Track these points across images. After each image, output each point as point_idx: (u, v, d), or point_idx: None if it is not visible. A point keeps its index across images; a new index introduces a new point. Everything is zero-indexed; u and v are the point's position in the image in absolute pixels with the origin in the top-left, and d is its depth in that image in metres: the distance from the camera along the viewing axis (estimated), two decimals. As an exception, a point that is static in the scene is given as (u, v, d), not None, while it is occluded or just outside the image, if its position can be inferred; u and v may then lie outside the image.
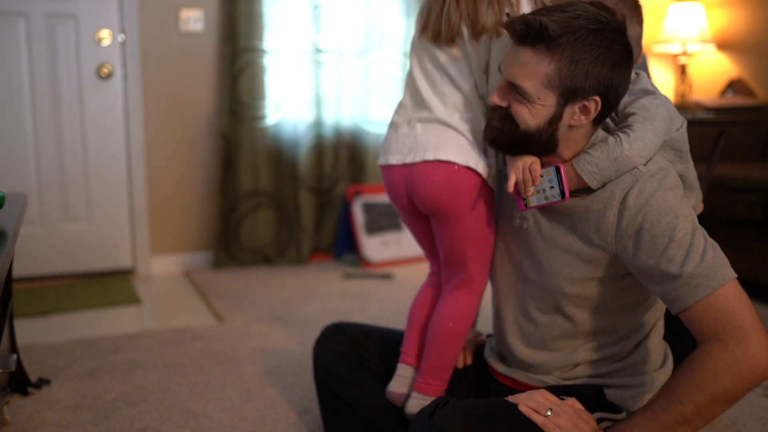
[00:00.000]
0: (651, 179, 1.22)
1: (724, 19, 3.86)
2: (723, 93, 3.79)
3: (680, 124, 1.41)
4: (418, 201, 1.45)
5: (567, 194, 1.26)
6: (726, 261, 1.17)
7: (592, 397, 1.34)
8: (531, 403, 1.23)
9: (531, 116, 1.25)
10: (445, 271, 1.52)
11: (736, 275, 1.16)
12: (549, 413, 1.20)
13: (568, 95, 1.23)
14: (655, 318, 1.39)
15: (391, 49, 3.65)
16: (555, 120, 1.25)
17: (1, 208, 1.62)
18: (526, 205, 1.32)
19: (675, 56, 4.04)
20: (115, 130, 3.27)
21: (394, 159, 1.45)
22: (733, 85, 3.76)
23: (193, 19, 3.31)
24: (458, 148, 1.38)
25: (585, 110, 1.24)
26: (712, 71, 3.94)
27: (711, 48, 3.85)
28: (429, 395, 1.49)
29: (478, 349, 1.68)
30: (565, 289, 1.32)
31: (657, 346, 1.41)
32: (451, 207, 1.40)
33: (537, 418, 1.21)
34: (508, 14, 1.29)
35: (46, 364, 2.21)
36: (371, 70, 3.61)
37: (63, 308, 2.83)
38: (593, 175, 1.24)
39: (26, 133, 3.14)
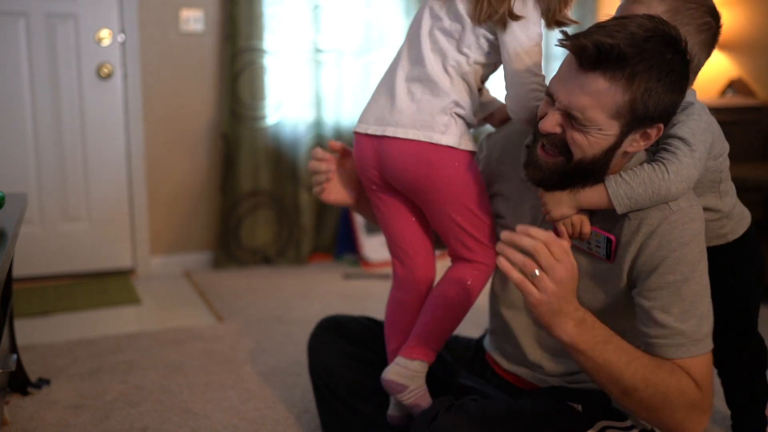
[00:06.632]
0: (680, 221, 1.17)
1: (724, 19, 3.85)
2: (723, 93, 3.79)
3: (721, 150, 1.32)
4: (390, 178, 1.41)
5: (613, 259, 1.23)
6: (711, 330, 1.19)
7: (597, 403, 1.32)
8: (518, 258, 1.08)
9: (589, 146, 1.16)
10: (447, 245, 1.47)
11: (712, 346, 1.19)
12: (536, 273, 1.07)
13: (634, 124, 1.14)
14: None
15: (391, 49, 3.65)
16: (613, 149, 1.17)
17: (1, 208, 1.62)
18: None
19: (675, 56, 4.04)
20: (115, 130, 3.27)
21: (370, 128, 1.40)
22: (733, 85, 3.76)
23: (193, 19, 3.31)
24: (431, 121, 1.34)
25: (646, 137, 1.17)
26: (712, 71, 3.93)
27: (711, 48, 3.85)
28: (413, 359, 1.41)
29: (477, 340, 1.66)
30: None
31: None
32: (425, 182, 1.36)
33: (514, 276, 1.07)
34: (564, 32, 1.18)
35: (46, 364, 2.21)
36: (371, 70, 3.60)
37: (63, 308, 2.83)
38: (626, 207, 1.18)
39: (26, 133, 3.14)
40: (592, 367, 1.15)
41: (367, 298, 3.02)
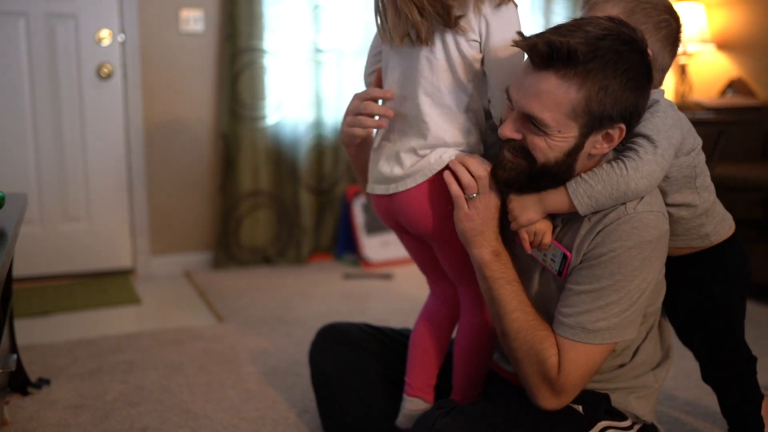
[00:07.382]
0: (630, 223, 1.17)
1: (724, 19, 3.86)
2: (723, 93, 3.79)
3: (693, 146, 1.32)
4: (407, 226, 1.39)
5: (564, 276, 1.24)
6: (611, 332, 1.19)
7: (597, 404, 1.32)
8: (465, 178, 1.23)
9: (549, 149, 1.15)
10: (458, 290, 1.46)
11: (607, 343, 1.19)
12: (473, 196, 1.23)
13: (593, 124, 1.13)
14: (649, 323, 1.37)
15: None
16: (575, 151, 1.16)
17: (1, 208, 1.62)
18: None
19: (675, 56, 4.04)
20: (115, 130, 3.27)
21: (379, 189, 1.38)
22: (733, 85, 3.76)
23: (193, 19, 3.31)
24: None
25: (608, 138, 1.16)
26: (712, 71, 3.94)
27: (711, 48, 3.85)
28: None
29: None
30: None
31: (655, 345, 1.40)
32: (428, 226, 1.33)
33: (453, 189, 1.23)
34: (519, 32, 1.18)
35: (46, 364, 2.21)
36: (371, 70, 3.60)
37: (63, 308, 2.82)
38: (589, 208, 1.18)
39: (26, 133, 3.14)
40: (488, 299, 1.26)
41: (367, 298, 3.02)
